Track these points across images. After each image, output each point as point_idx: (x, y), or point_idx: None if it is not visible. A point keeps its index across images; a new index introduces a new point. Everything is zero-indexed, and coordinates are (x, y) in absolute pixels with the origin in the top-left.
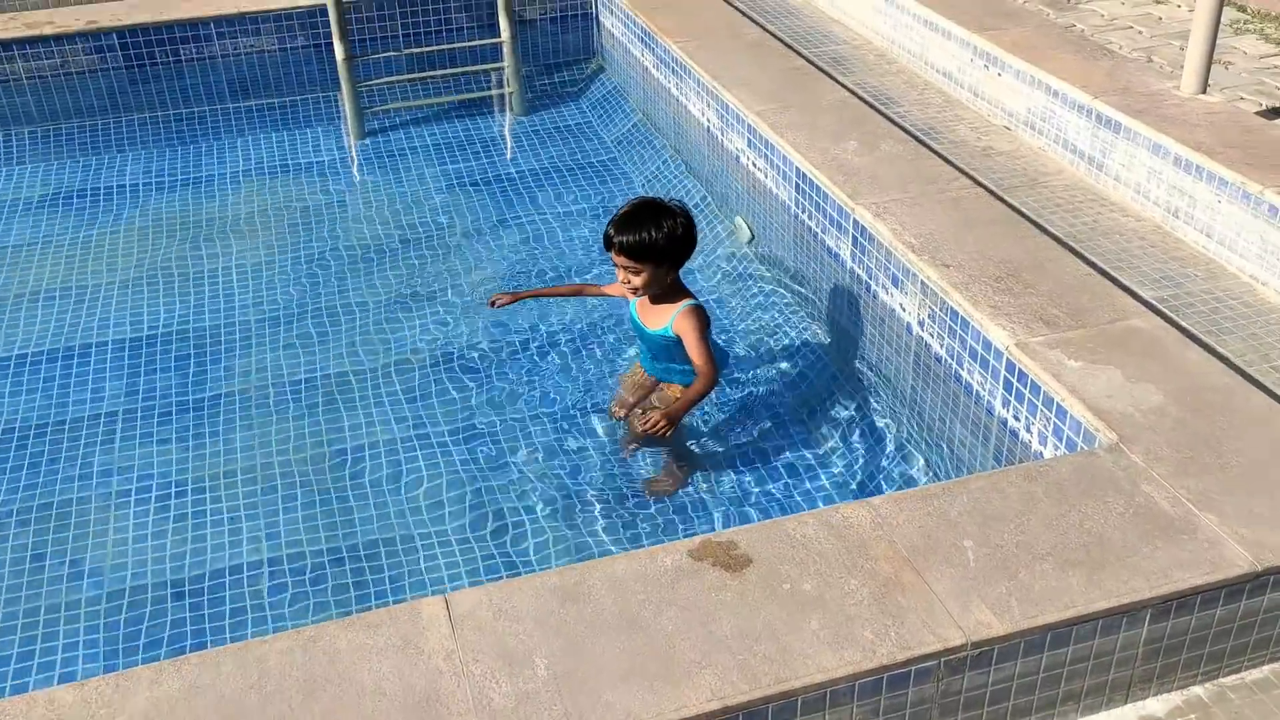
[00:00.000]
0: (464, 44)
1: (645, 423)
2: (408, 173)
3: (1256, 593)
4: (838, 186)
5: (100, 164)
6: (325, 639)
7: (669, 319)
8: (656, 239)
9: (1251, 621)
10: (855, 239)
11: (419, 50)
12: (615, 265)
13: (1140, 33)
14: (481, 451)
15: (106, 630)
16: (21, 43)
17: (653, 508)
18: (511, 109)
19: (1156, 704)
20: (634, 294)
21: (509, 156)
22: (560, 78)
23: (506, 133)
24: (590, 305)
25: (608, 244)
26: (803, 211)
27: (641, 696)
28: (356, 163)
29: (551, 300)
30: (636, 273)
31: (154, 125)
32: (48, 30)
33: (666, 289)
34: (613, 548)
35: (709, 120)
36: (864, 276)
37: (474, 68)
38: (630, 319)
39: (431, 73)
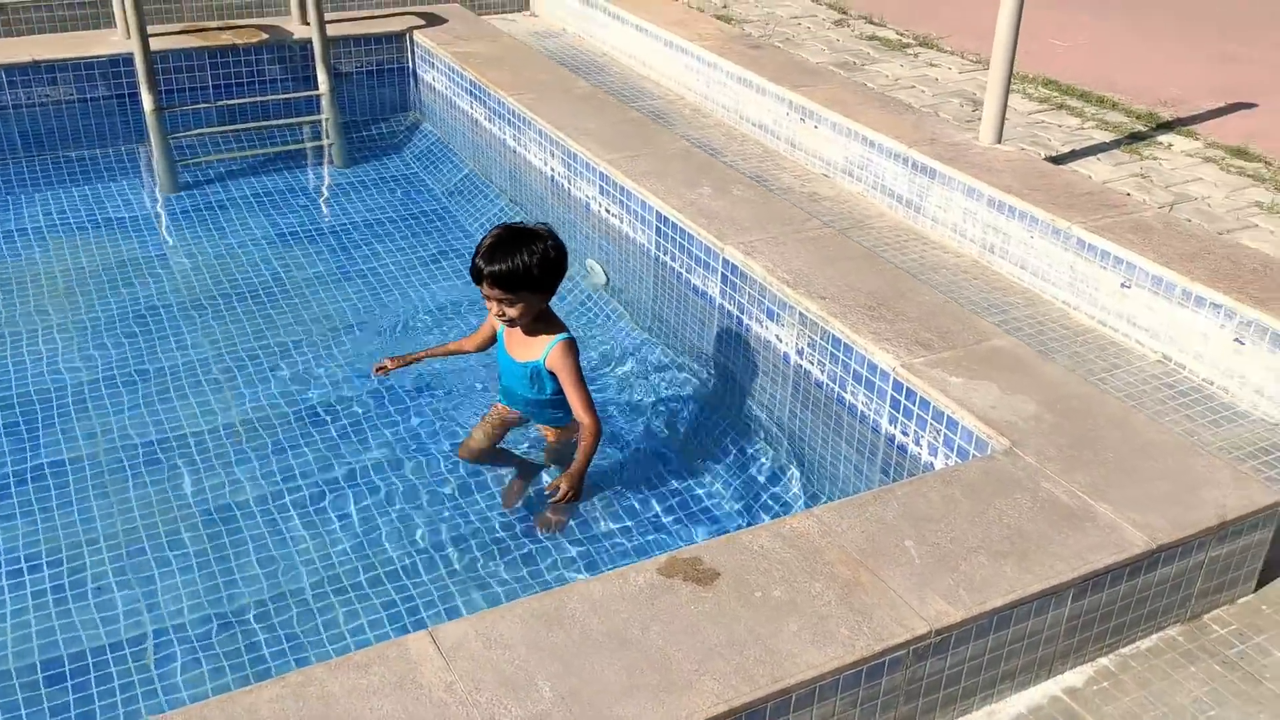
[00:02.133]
0: (280, 96)
1: (555, 498)
2: (229, 225)
3: (1150, 569)
4: (703, 229)
5: None
6: (315, 684)
7: (542, 351)
8: (530, 265)
9: (1146, 595)
10: (725, 277)
11: (232, 102)
12: (486, 299)
13: (923, 91)
14: (355, 499)
15: None
16: None
17: (545, 544)
18: (333, 161)
19: (1074, 676)
20: (509, 325)
21: (338, 208)
22: (379, 129)
23: (330, 185)
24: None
25: (476, 277)
26: (664, 254)
27: (649, 707)
28: (172, 216)
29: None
30: (510, 304)
31: None
32: None
33: (538, 318)
34: (516, 587)
35: (553, 169)
36: (735, 312)
37: (291, 120)
38: (499, 352)
39: (246, 124)
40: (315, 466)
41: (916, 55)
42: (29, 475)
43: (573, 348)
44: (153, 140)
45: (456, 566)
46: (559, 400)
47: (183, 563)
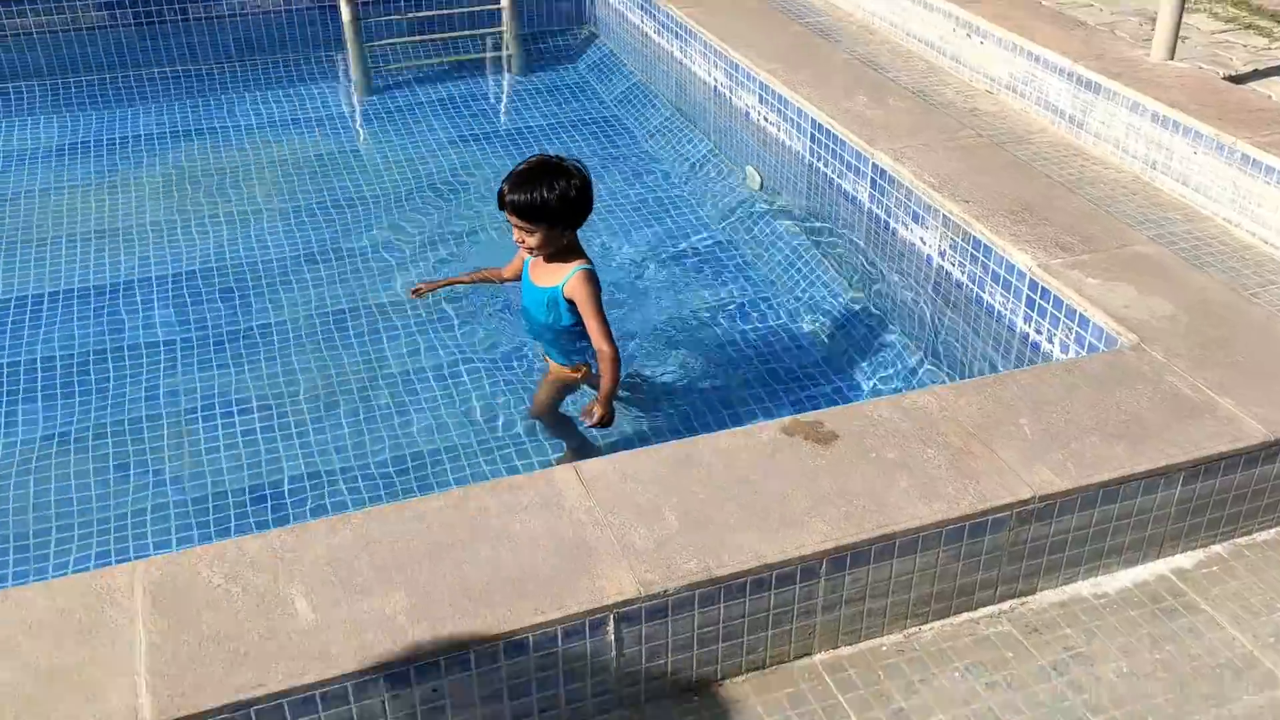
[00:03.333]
0: (465, 9)
1: (589, 422)
2: (417, 126)
3: (1269, 460)
4: (855, 135)
5: (114, 116)
6: (474, 499)
7: (562, 278)
8: (549, 199)
9: (1264, 487)
10: (874, 181)
11: (422, 14)
12: (510, 224)
13: (1100, 9)
14: (513, 371)
15: (199, 529)
16: None
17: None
18: (511, 70)
19: (1184, 559)
20: (529, 253)
21: (514, 114)
22: (555, 41)
23: (509, 92)
24: None
25: (500, 202)
26: (818, 159)
27: (764, 539)
28: (366, 118)
29: None
30: (530, 233)
31: (163, 80)
32: None
33: (562, 249)
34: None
35: (716, 80)
36: (882, 215)
37: (475, 31)
38: (523, 277)
39: (434, 35)
40: (486, 342)
41: None
42: (241, 335)
43: (591, 278)
44: (349, 48)
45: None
46: (572, 332)
47: (368, 414)
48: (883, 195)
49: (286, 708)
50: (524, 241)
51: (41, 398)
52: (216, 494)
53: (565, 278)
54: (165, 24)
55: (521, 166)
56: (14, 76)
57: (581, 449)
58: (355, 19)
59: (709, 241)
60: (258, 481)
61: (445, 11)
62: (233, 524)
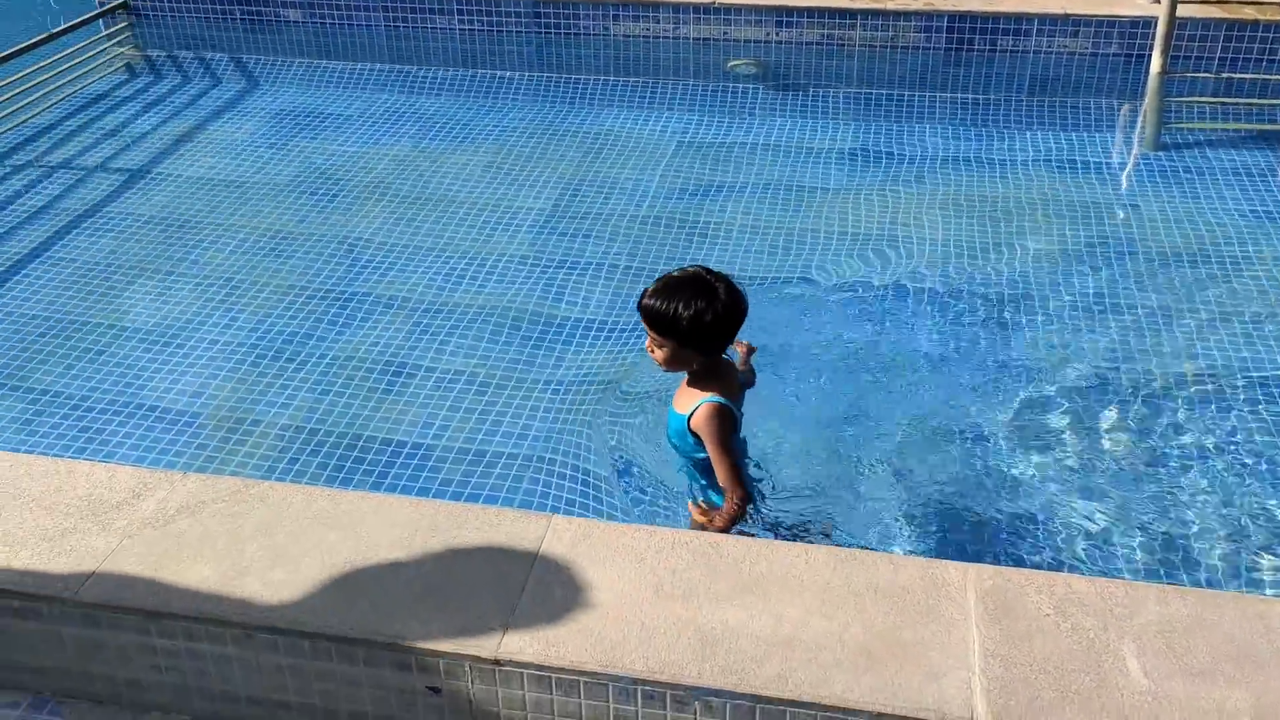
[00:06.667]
0: None
1: (692, 515)
2: (1204, 191)
3: None
4: None
5: (905, 131)
6: None
7: (691, 407)
8: (680, 315)
9: None
10: None
11: (1235, 76)
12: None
13: None
14: None
15: (1019, 544)
16: (865, 13)
17: None
18: None
19: None
20: (664, 368)
21: None
22: None
23: None
24: None
25: (639, 304)
26: None
27: None
28: (1149, 172)
29: None
30: (659, 345)
31: (954, 105)
32: (889, 5)
33: (702, 375)
34: None
35: None
36: None
37: None
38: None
39: (1243, 99)
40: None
41: None
42: (993, 363)
43: (719, 413)
44: (1148, 100)
45: None
46: (701, 465)
47: (1130, 480)
48: None
49: None
50: (653, 352)
51: (825, 381)
52: (991, 514)
53: (694, 406)
54: (972, 52)
55: (674, 274)
56: (825, 81)
57: None
58: (1163, 72)
59: None
60: (1018, 509)
61: (1261, 76)
62: (1053, 552)
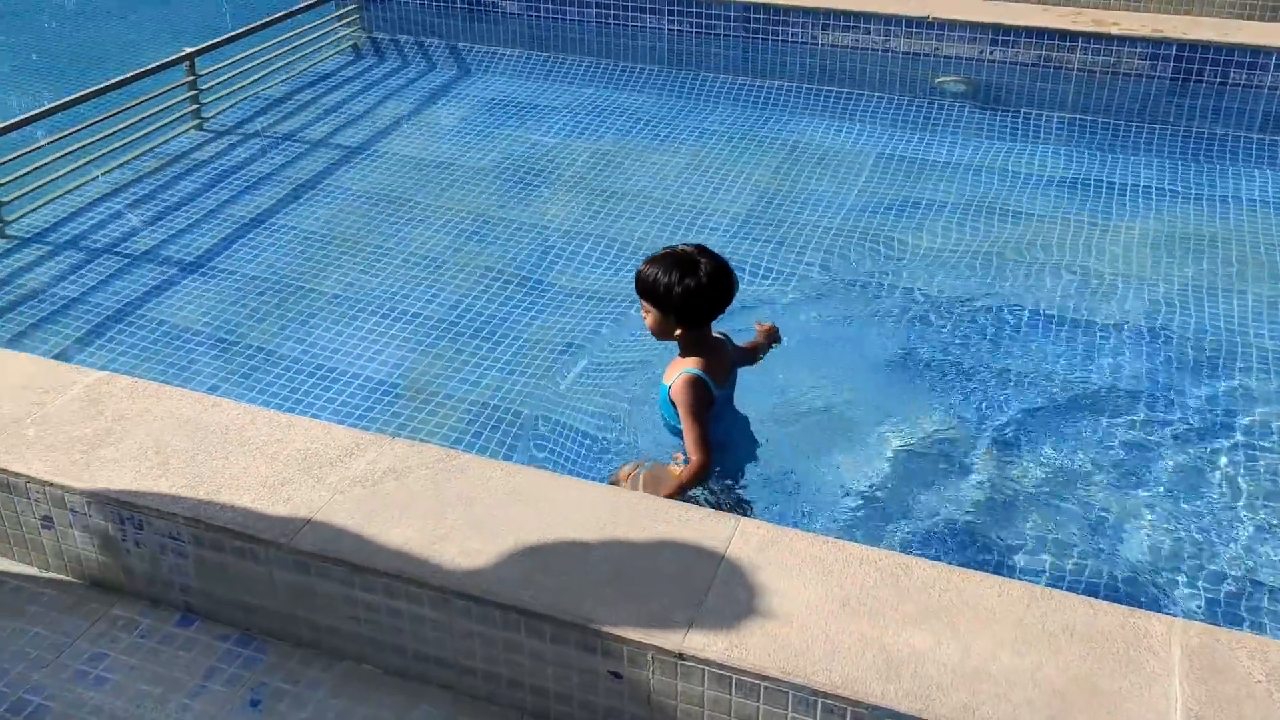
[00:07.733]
0: None
1: (619, 481)
2: None
3: None
4: None
5: (1119, 161)
6: None
7: (673, 376)
8: (662, 282)
9: None
10: None
11: None
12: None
13: None
14: None
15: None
16: (1087, 36)
17: None
18: None
19: None
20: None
21: None
22: None
23: None
24: None
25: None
26: None
27: None
28: None
29: None
30: (645, 311)
31: (1177, 138)
32: (1113, 30)
33: (687, 347)
34: None
35: None
36: None
37: None
38: None
39: None
40: None
41: None
42: (1190, 411)
43: (692, 383)
44: None
45: None
46: (680, 434)
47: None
48: None
49: None
50: (645, 318)
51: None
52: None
53: (675, 376)
54: (1200, 83)
55: (673, 248)
56: (1038, 103)
57: None
58: None
59: None
60: (1223, 569)
61: None
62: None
